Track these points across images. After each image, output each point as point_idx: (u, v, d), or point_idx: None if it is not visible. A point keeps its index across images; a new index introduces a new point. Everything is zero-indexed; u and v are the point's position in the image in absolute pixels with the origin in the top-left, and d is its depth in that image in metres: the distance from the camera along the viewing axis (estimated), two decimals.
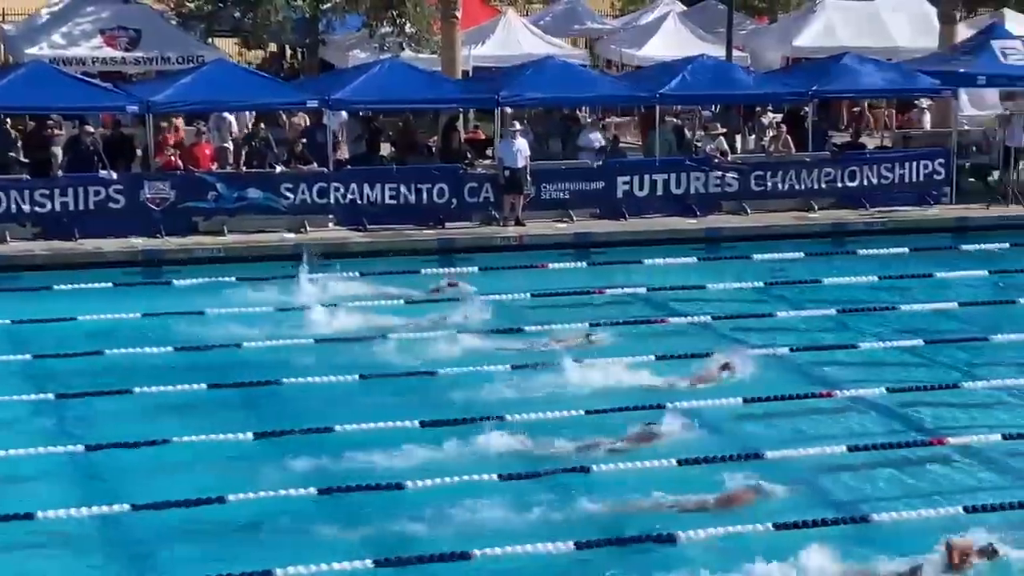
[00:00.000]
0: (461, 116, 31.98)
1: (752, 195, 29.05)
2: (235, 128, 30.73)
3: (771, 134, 31.35)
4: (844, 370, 18.55)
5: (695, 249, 26.15)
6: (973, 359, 19.26)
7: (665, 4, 48.27)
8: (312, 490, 13.90)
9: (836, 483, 14.81)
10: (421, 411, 16.20)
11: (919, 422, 16.75)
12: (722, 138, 29.93)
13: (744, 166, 29.32)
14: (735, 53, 37.94)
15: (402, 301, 21.60)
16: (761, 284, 23.03)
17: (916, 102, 35.89)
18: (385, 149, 31.03)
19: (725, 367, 17.93)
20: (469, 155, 29.15)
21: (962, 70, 30.78)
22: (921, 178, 29.84)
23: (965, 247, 26.05)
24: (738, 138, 32.37)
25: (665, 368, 18.35)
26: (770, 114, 33.70)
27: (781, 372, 18.49)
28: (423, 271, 23.62)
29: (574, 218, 28.17)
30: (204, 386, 17.13)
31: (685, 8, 48.28)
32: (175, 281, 22.92)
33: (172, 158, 27.55)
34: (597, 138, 30.28)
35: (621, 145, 31.71)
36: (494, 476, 14.28)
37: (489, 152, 30.16)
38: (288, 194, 27.05)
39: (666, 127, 30.75)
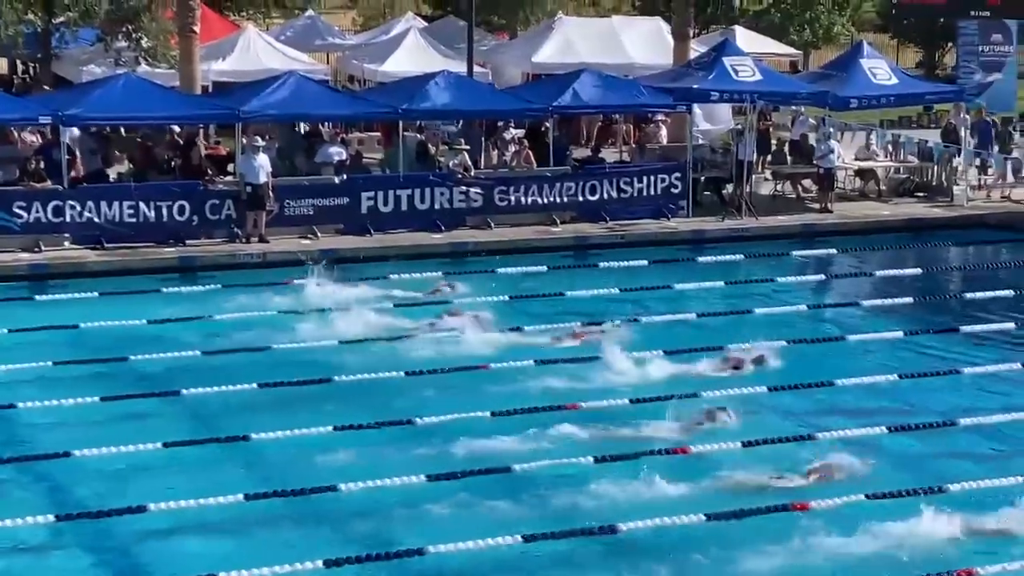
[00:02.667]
0: (201, 132, 31.44)
1: (496, 210, 29.29)
2: None
3: (513, 149, 31.69)
4: (586, 382, 18.78)
5: (441, 264, 26.24)
6: (711, 368, 19.68)
7: (406, 20, 48.53)
8: (51, 517, 13.47)
9: (580, 494, 15.01)
10: (165, 434, 15.89)
11: (661, 431, 17.01)
12: (465, 153, 30.12)
13: (487, 181, 29.55)
14: (476, 69, 38.27)
15: (130, 322, 21.13)
16: (506, 298, 23.22)
17: (653, 117, 36.74)
18: (123, 166, 30.32)
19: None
20: (210, 171, 28.70)
21: (696, 86, 31.59)
22: (659, 192, 30.49)
23: (702, 259, 26.78)
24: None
25: (414, 380, 18.47)
26: (512, 129, 34.08)
27: (525, 385, 18.66)
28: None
29: (319, 234, 27.97)
30: None
31: (426, 24, 48.59)
32: None
33: None
34: (337, 152, 30.15)
35: (365, 160, 31.62)
36: (240, 497, 14.09)
37: (230, 168, 29.72)
38: (21, 213, 26.17)
39: (409, 142, 30.82)
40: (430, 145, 31.96)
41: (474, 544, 12.97)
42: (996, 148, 34.73)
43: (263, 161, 27.33)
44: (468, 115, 32.08)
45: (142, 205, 26.85)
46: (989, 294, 24.07)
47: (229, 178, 28.86)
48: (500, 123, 33.92)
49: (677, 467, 15.55)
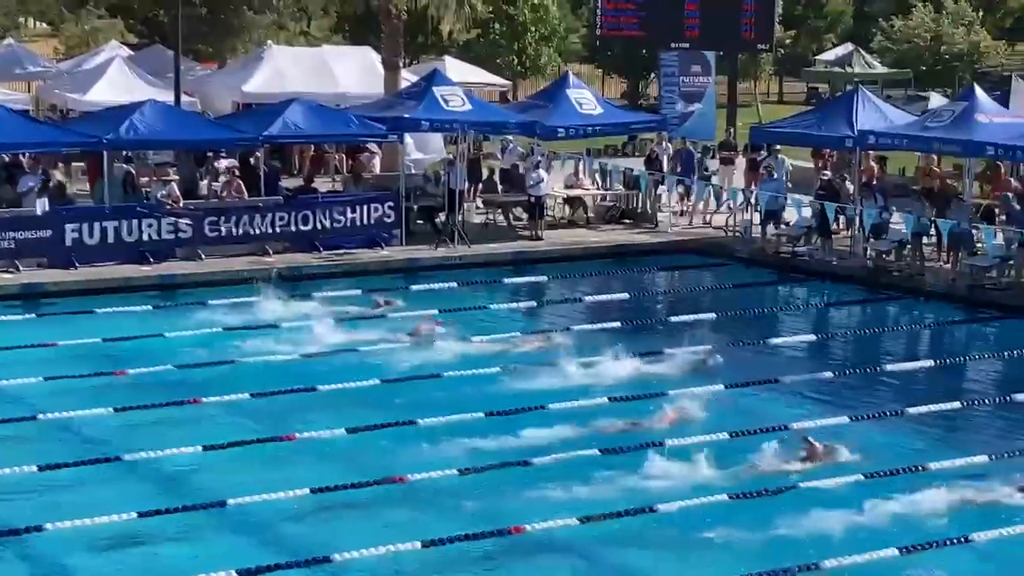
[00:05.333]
0: None
1: (206, 241, 28.83)
2: None
3: (224, 179, 31.28)
4: (307, 413, 18.70)
5: (150, 297, 25.73)
6: (425, 398, 19.77)
7: (110, 49, 47.47)
8: None
9: (298, 526, 14.95)
10: None
11: (379, 461, 17.00)
12: (174, 184, 29.59)
13: (197, 212, 29.08)
14: (185, 98, 37.68)
15: None
16: (219, 330, 22.93)
17: (365, 146, 36.82)
18: None
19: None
20: None
21: (407, 115, 31.79)
22: (372, 221, 30.51)
23: (416, 287, 26.94)
24: None
25: (123, 417, 18.22)
26: (222, 159, 33.64)
27: (241, 419, 18.47)
28: None
29: (20, 268, 27.07)
30: None
31: (131, 53, 47.62)
32: None
33: None
34: (37, 183, 29.25)
35: (69, 192, 30.76)
36: None
37: None
38: None
39: (116, 173, 30.11)
40: (137, 175, 31.29)
41: None
42: (697, 176, 35.88)
43: None
44: (175, 145, 31.54)
45: None
46: (691, 317, 24.89)
47: None
48: (210, 152, 33.47)
49: (394, 496, 15.66)
